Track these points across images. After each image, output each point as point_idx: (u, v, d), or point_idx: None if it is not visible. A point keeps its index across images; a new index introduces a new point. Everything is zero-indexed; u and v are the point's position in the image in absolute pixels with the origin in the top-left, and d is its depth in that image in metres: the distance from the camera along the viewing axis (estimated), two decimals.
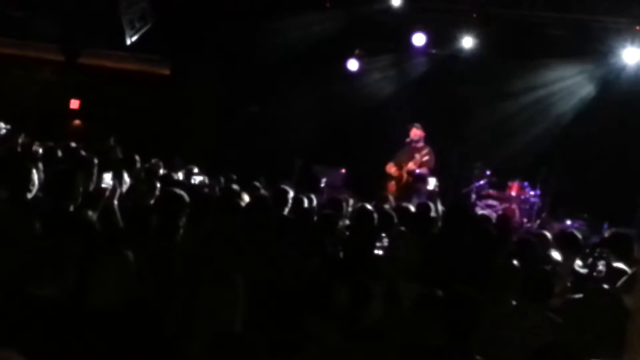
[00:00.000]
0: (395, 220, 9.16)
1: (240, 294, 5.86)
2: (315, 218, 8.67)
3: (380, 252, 6.92)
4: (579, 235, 9.53)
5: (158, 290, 6.05)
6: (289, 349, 5.33)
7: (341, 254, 7.34)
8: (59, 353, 5.23)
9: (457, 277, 7.01)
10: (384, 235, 6.90)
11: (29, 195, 7.19)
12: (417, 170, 15.20)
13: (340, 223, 9.13)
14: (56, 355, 5.19)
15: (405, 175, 15.26)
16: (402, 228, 8.93)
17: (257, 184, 11.14)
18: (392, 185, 14.35)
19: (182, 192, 7.59)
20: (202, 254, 6.31)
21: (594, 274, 7.33)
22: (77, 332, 5.48)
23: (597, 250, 8.48)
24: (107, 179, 7.58)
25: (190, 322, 5.78)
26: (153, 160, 12.09)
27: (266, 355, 4.95)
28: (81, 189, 7.36)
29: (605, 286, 7.04)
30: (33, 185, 7.27)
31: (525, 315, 6.33)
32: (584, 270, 8.10)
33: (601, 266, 7.30)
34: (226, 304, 5.81)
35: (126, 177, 9.55)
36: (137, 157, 10.96)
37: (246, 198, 9.75)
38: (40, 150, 11.66)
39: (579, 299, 6.86)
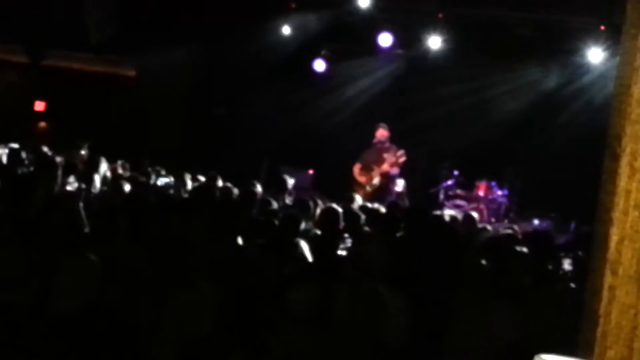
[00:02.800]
0: (362, 220, 9.18)
1: (208, 298, 5.85)
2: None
3: (344, 253, 6.92)
4: (550, 234, 9.61)
5: (124, 294, 6.02)
6: (255, 350, 5.32)
7: (307, 255, 7.34)
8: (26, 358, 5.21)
9: (425, 277, 7.04)
10: (346, 235, 6.90)
11: None
12: (391, 172, 15.25)
13: (309, 224, 9.14)
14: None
15: (378, 178, 15.29)
16: (368, 228, 8.95)
17: (228, 184, 11.13)
18: (359, 190, 14.35)
19: (149, 195, 7.57)
20: (169, 257, 6.30)
21: (561, 272, 7.40)
22: (41, 338, 5.45)
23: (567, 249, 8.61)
24: (72, 181, 7.56)
25: (157, 327, 5.76)
26: (119, 162, 12.04)
27: (234, 357, 4.95)
28: (43, 192, 7.32)
29: (572, 285, 7.11)
30: None
31: (493, 313, 6.37)
32: (551, 269, 8.15)
33: (567, 265, 7.36)
34: (193, 308, 5.80)
35: (97, 180, 9.50)
36: (103, 159, 10.91)
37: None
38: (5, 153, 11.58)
39: (546, 297, 6.91)
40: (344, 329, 5.54)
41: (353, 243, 7.07)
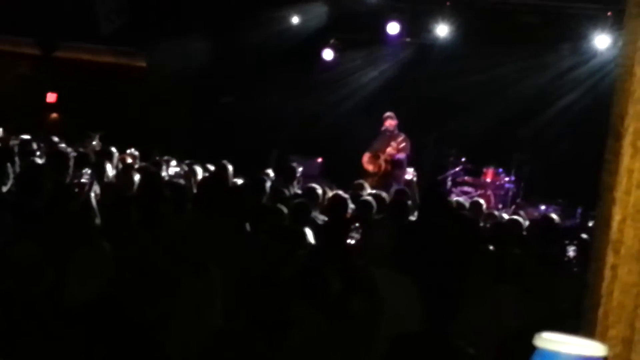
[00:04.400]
0: (374, 208, 9.21)
1: (219, 286, 5.90)
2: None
3: (353, 241, 6.95)
4: (557, 220, 9.65)
5: (137, 283, 6.08)
6: (268, 338, 5.37)
7: (316, 242, 7.39)
8: (38, 348, 5.27)
9: (434, 263, 7.09)
10: (357, 225, 6.93)
11: (4, 189, 7.20)
12: (396, 156, 15.23)
13: (317, 211, 9.18)
14: (35, 351, 5.23)
15: (383, 165, 15.29)
16: (378, 216, 8.99)
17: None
18: (367, 179, 14.34)
19: (162, 185, 7.62)
20: (181, 246, 6.35)
21: (565, 258, 7.45)
22: (54, 327, 5.50)
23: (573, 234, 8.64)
24: (85, 172, 7.61)
25: (170, 315, 5.82)
26: (128, 151, 12.09)
27: (246, 345, 5.01)
28: (55, 183, 7.38)
29: (577, 269, 7.17)
30: (8, 178, 7.28)
31: (500, 298, 6.43)
32: (557, 254, 8.20)
33: (571, 252, 7.41)
34: (205, 295, 5.85)
35: (109, 170, 9.54)
36: (114, 150, 10.97)
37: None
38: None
39: (552, 282, 6.96)
40: (356, 317, 5.59)
41: (362, 231, 7.10)
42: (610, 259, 2.20)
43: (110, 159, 10.22)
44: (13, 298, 5.53)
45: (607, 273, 2.20)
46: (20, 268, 5.82)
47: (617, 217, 2.22)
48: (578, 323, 2.34)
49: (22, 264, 5.84)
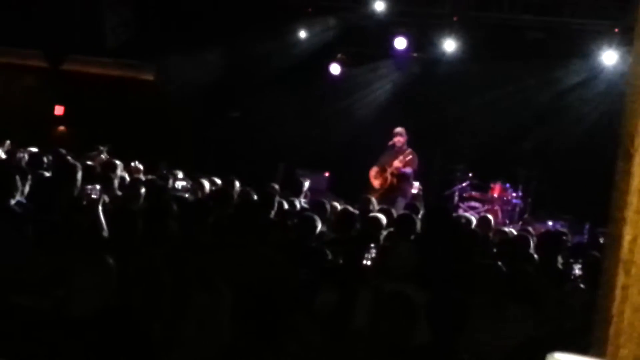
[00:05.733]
0: (384, 225, 9.20)
1: (227, 301, 5.89)
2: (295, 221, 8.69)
3: (368, 262, 6.92)
4: (565, 236, 9.65)
5: (143, 297, 6.07)
6: (275, 352, 5.37)
7: (326, 257, 7.38)
8: None
9: (442, 278, 7.09)
10: (372, 245, 6.91)
11: (12, 202, 7.20)
12: (402, 169, 15.21)
13: (324, 226, 9.17)
14: None
15: (389, 178, 15.27)
16: (388, 231, 8.98)
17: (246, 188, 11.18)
18: (374, 193, 14.31)
19: (168, 198, 7.61)
20: (188, 259, 6.34)
21: (572, 276, 7.44)
22: (59, 341, 5.50)
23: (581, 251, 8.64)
24: (95, 185, 7.61)
25: (176, 329, 5.81)
26: (132, 164, 12.09)
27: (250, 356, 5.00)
28: (64, 196, 7.39)
29: (582, 286, 7.17)
30: (16, 191, 7.29)
31: (508, 314, 6.43)
32: (564, 270, 8.20)
33: (577, 270, 7.40)
34: (213, 311, 5.84)
35: (115, 183, 9.55)
36: (119, 163, 10.98)
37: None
38: (26, 156, 11.66)
39: (559, 298, 6.96)
40: (366, 333, 5.58)
41: (373, 246, 7.09)
42: (621, 279, 2.19)
43: (116, 172, 10.24)
44: (25, 311, 5.53)
45: (618, 293, 2.19)
46: (33, 282, 5.83)
47: (627, 237, 2.21)
48: (587, 340, 2.33)
49: (35, 278, 5.85)
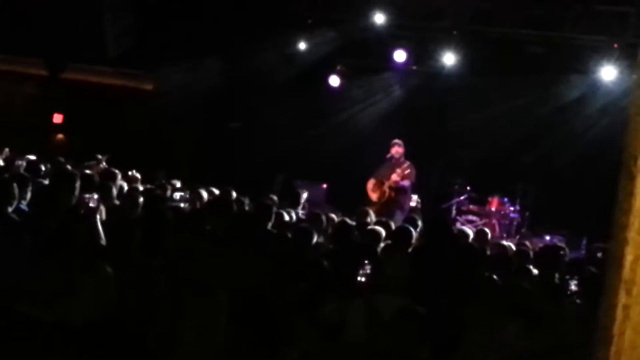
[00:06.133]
0: (382, 237, 9.20)
1: (224, 309, 5.89)
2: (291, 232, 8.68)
3: (363, 278, 6.92)
4: (563, 251, 9.64)
5: (140, 305, 6.07)
6: (271, 356, 5.37)
7: (323, 269, 7.38)
8: None
9: (440, 292, 7.09)
10: (366, 262, 6.91)
11: (10, 209, 7.19)
12: (401, 183, 15.21)
13: (321, 238, 9.18)
14: None
15: (387, 191, 15.27)
16: (386, 243, 8.99)
17: (242, 199, 11.18)
18: (372, 206, 14.29)
19: (166, 208, 7.61)
20: (185, 268, 6.34)
21: (568, 292, 7.44)
22: (59, 349, 5.50)
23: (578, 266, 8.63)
24: (93, 195, 7.60)
25: (173, 337, 5.81)
26: (130, 173, 12.07)
27: None
28: (61, 205, 7.38)
29: (578, 301, 7.17)
30: (14, 199, 7.28)
31: (504, 328, 6.42)
32: (561, 285, 8.19)
33: (573, 286, 7.40)
34: (210, 318, 5.85)
35: (113, 193, 9.54)
36: (117, 172, 10.97)
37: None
38: (24, 164, 11.64)
39: (555, 313, 6.96)
40: (360, 342, 5.59)
41: (369, 258, 7.09)
42: (622, 299, 2.19)
43: (115, 181, 10.22)
44: (25, 319, 5.54)
45: (619, 313, 2.19)
46: (33, 290, 5.83)
47: (629, 257, 2.21)
48: (582, 354, 2.33)
49: (35, 286, 5.85)
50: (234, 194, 11.47)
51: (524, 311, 6.59)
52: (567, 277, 7.82)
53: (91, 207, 7.45)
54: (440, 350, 6.19)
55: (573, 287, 7.45)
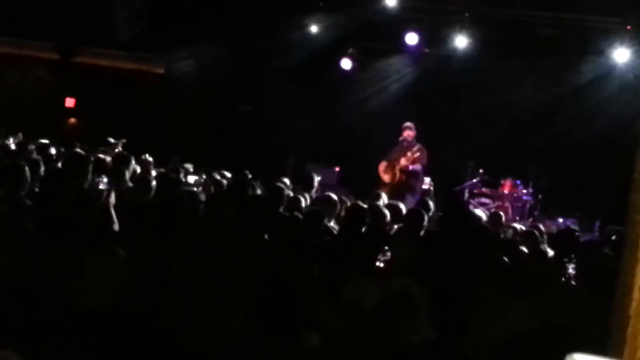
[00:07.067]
0: (388, 218, 9.19)
1: (241, 294, 5.89)
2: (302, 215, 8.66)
3: (382, 264, 6.93)
4: (575, 233, 9.62)
5: (154, 289, 6.08)
6: (289, 346, 5.36)
7: (337, 252, 7.38)
8: (55, 352, 5.27)
9: (449, 273, 7.09)
10: (386, 248, 6.92)
11: (22, 193, 7.22)
12: (411, 167, 15.22)
13: (332, 222, 9.17)
14: (52, 355, 5.24)
15: (398, 174, 15.28)
16: (399, 225, 8.98)
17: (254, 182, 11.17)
18: (383, 188, 14.28)
19: (180, 192, 7.61)
20: (201, 253, 6.35)
21: (566, 275, 7.45)
22: (72, 331, 5.52)
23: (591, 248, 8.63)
24: (103, 178, 7.61)
25: (185, 322, 5.82)
26: (142, 157, 12.07)
27: (267, 353, 4.99)
28: (74, 189, 7.39)
29: (573, 282, 7.20)
30: (26, 182, 7.31)
31: (512, 310, 6.43)
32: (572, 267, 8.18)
33: (571, 269, 7.41)
34: (226, 304, 5.85)
35: (126, 177, 9.54)
36: (130, 156, 10.96)
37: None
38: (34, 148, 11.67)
39: (566, 295, 6.97)
40: (374, 326, 5.58)
41: (382, 241, 7.09)
42: (638, 279, 2.19)
43: (128, 165, 10.22)
44: (37, 303, 5.55)
45: (636, 294, 2.18)
46: (45, 273, 5.85)
47: None
48: (593, 337, 2.32)
49: (47, 270, 5.87)
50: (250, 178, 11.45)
51: (533, 293, 6.59)
52: (566, 260, 7.82)
53: (103, 191, 7.46)
54: (447, 332, 6.20)
55: (571, 270, 7.46)
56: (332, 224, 9.09)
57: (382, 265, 6.68)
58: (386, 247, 6.84)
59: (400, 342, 5.41)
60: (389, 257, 6.76)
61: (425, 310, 5.97)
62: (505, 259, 7.41)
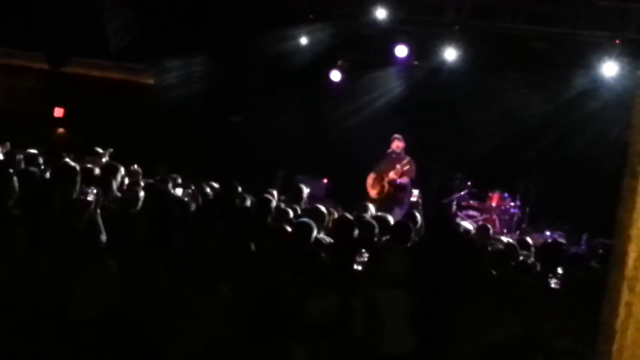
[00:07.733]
0: (377, 230, 9.19)
1: (228, 306, 5.89)
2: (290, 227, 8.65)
3: (359, 266, 6.94)
4: (564, 246, 9.66)
5: (142, 300, 6.06)
6: (273, 357, 5.36)
7: (323, 263, 7.37)
8: None
9: (438, 287, 7.10)
10: (363, 250, 6.92)
11: (10, 203, 7.18)
12: (399, 180, 15.24)
13: (321, 233, 9.15)
14: None
15: (386, 186, 15.30)
16: (385, 238, 8.98)
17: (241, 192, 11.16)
18: (372, 201, 14.26)
19: (169, 202, 7.59)
20: (188, 263, 6.34)
21: (553, 287, 7.47)
22: (61, 344, 5.50)
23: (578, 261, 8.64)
24: (92, 188, 7.59)
25: (176, 333, 5.81)
26: (131, 168, 12.05)
27: None
28: (61, 198, 7.36)
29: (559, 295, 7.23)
30: (14, 193, 7.27)
31: (499, 322, 6.44)
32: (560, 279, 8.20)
33: (554, 284, 7.43)
34: (213, 315, 5.84)
35: (114, 187, 9.52)
36: (119, 166, 10.93)
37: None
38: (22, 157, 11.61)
39: (553, 307, 6.98)
40: (359, 339, 5.59)
41: (368, 254, 7.09)
42: (625, 296, 2.20)
43: (116, 175, 10.19)
44: (24, 313, 5.53)
45: (622, 310, 2.20)
46: (33, 284, 5.82)
47: (632, 254, 2.22)
48: (579, 348, 2.34)
49: (35, 280, 5.85)
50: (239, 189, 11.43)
51: (519, 305, 6.61)
52: (550, 275, 7.83)
53: (90, 201, 7.43)
54: (431, 343, 6.22)
55: (553, 285, 7.48)
56: (321, 235, 9.08)
57: (359, 268, 6.69)
58: (363, 250, 6.84)
59: (373, 354, 5.42)
60: (365, 260, 6.76)
61: (407, 321, 5.99)
62: (492, 271, 7.43)
